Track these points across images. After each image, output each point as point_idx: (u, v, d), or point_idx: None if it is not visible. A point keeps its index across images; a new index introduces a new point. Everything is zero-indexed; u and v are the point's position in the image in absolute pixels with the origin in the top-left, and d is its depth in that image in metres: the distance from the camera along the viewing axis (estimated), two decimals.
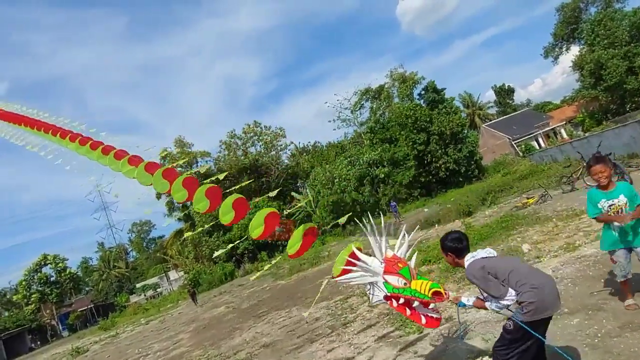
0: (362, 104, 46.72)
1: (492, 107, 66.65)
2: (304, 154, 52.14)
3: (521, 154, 37.23)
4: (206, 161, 48.16)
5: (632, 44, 33.22)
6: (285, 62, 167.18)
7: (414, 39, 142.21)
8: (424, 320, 3.40)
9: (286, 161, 50.42)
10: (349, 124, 46.93)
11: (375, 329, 6.64)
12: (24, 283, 54.07)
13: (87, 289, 69.23)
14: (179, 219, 48.05)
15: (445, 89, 35.71)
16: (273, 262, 7.88)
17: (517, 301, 2.95)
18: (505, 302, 2.98)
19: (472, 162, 34.09)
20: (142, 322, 25.46)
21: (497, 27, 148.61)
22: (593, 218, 4.34)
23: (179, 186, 4.06)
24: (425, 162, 33.72)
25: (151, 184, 4.25)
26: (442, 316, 3.65)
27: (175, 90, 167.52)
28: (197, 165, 47.10)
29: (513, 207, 13.56)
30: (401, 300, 3.38)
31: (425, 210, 25.25)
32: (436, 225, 16.13)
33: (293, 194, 41.34)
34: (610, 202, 4.05)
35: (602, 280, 5.12)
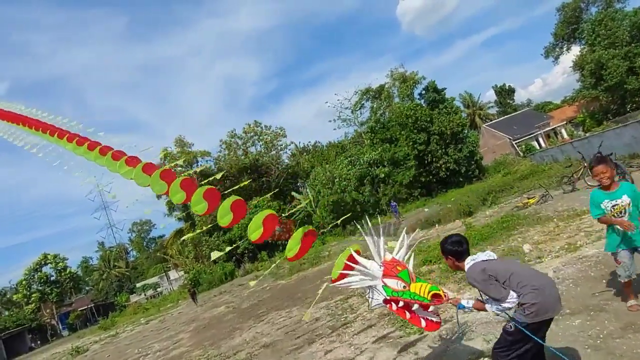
0: (363, 104, 46.75)
1: (492, 107, 66.65)
2: (304, 153, 52.13)
3: (521, 154, 37.20)
4: (206, 161, 48.15)
5: (632, 44, 33.19)
6: (285, 62, 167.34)
7: (414, 38, 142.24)
8: (423, 324, 3.38)
9: (286, 161, 50.40)
10: (349, 124, 47.01)
11: (376, 330, 6.62)
12: (24, 282, 54.09)
13: (87, 288, 69.25)
14: (179, 219, 48.05)
15: (445, 88, 35.72)
16: (269, 269, 7.88)
17: (518, 303, 2.93)
18: (506, 305, 2.97)
19: (473, 162, 34.08)
20: (142, 322, 25.45)
21: (497, 27, 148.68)
22: (596, 219, 4.31)
23: (177, 188, 4.04)
24: (426, 162, 33.70)
25: (149, 185, 4.22)
26: (441, 320, 3.62)
27: (175, 90, 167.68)
28: (198, 165, 47.10)
29: (514, 207, 13.54)
30: (400, 304, 3.36)
31: (426, 210, 25.23)
32: (436, 225, 16.10)
33: (293, 193, 41.32)
34: (613, 202, 4.02)
35: (604, 281, 5.09)
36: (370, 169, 35.01)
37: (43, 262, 56.05)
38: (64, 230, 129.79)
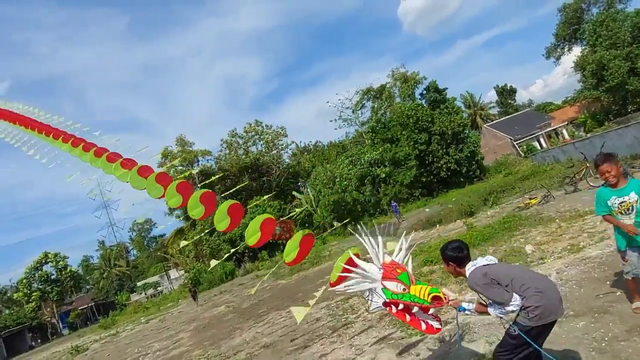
0: (364, 104, 46.72)
1: (493, 107, 66.59)
2: (305, 153, 52.11)
3: (523, 154, 37.14)
4: (207, 160, 48.16)
5: (634, 45, 33.14)
6: (286, 62, 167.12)
7: (416, 38, 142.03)
8: (423, 326, 3.34)
9: (287, 160, 50.39)
10: (350, 124, 47.00)
11: (377, 330, 6.58)
12: (24, 281, 54.10)
13: (87, 287, 69.25)
14: (179, 218, 48.00)
15: (446, 89, 35.69)
16: (268, 273, 7.87)
17: (522, 306, 2.90)
18: (510, 308, 2.94)
19: (474, 163, 34.05)
20: (142, 321, 25.43)
21: (499, 27, 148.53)
22: (601, 216, 4.26)
23: (173, 191, 3.99)
24: (427, 162, 33.67)
25: (145, 189, 4.17)
26: (442, 325, 3.59)
27: (175, 90, 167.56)
28: (198, 164, 47.08)
29: (515, 207, 13.48)
30: (400, 306, 3.32)
31: (427, 210, 25.19)
32: (437, 226, 16.05)
33: (294, 193, 41.30)
34: (620, 199, 3.95)
35: (608, 283, 5.05)
36: (371, 168, 34.98)
37: (44, 261, 56.06)
38: (64, 229, 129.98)
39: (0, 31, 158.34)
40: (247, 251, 37.80)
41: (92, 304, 56.24)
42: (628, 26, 33.52)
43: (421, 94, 37.64)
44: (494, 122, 50.96)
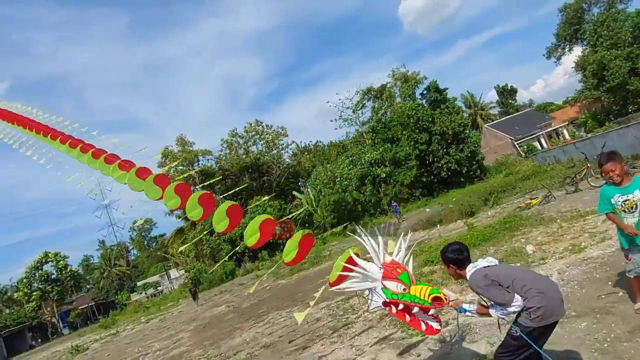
0: (364, 104, 46.67)
1: (494, 107, 66.56)
2: (306, 153, 52.09)
3: (523, 154, 37.11)
4: (207, 160, 48.14)
5: (635, 45, 33.11)
6: (286, 62, 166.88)
7: (416, 38, 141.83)
8: (423, 327, 3.33)
9: (287, 160, 50.36)
10: (350, 124, 46.95)
11: (377, 331, 6.56)
12: (25, 280, 54.15)
13: (88, 286, 69.29)
14: (179, 218, 48.02)
15: (447, 89, 35.64)
16: (266, 273, 7.89)
17: (524, 307, 2.88)
18: (511, 309, 2.93)
19: (474, 163, 34.01)
20: (143, 321, 25.43)
21: (499, 27, 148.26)
22: (605, 214, 4.23)
23: (171, 193, 3.98)
24: (427, 162, 33.64)
25: (143, 191, 4.16)
26: (441, 326, 3.57)
27: (176, 90, 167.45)
28: (199, 164, 47.07)
29: (516, 207, 13.46)
30: (400, 306, 3.31)
31: (427, 210, 25.17)
32: (438, 226, 16.03)
33: (295, 193, 41.29)
34: (625, 197, 3.91)
35: (610, 283, 5.02)
36: (371, 168, 34.96)
37: (44, 261, 56.12)
38: (65, 229, 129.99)
39: (0, 31, 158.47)
40: (247, 251, 37.79)
41: (93, 303, 56.26)
42: (629, 26, 33.47)
43: (422, 94, 37.61)
44: (495, 122, 50.93)
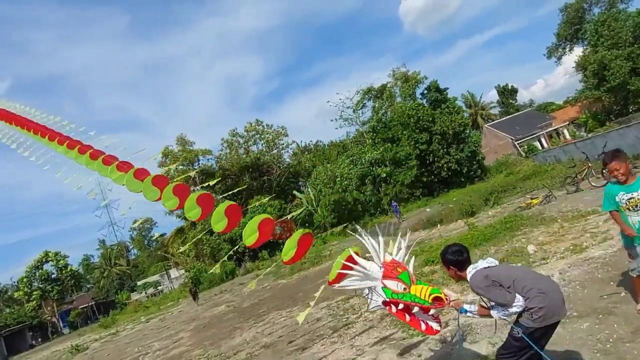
0: (365, 103, 46.62)
1: (494, 107, 66.50)
2: (306, 152, 52.08)
3: (524, 154, 37.07)
4: (208, 159, 48.12)
5: (635, 45, 33.05)
6: (286, 62, 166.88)
7: (416, 38, 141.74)
8: (423, 327, 3.31)
9: (288, 160, 50.35)
10: (351, 123, 46.88)
11: (378, 331, 6.54)
12: (25, 280, 54.13)
13: (88, 286, 69.30)
14: (179, 217, 48.01)
15: (447, 88, 35.59)
16: (266, 271, 7.90)
17: (525, 307, 2.86)
18: (513, 310, 2.91)
19: (475, 162, 33.97)
20: (143, 320, 25.42)
21: (499, 27, 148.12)
22: (608, 212, 4.22)
23: (170, 194, 3.96)
24: (428, 161, 33.60)
25: (141, 192, 4.14)
26: (441, 328, 3.55)
27: (176, 89, 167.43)
28: (199, 164, 47.06)
29: (517, 207, 13.43)
30: (400, 306, 3.28)
31: (428, 210, 25.15)
32: (439, 225, 16.01)
33: (295, 192, 41.27)
34: (629, 195, 3.89)
35: (612, 283, 5.00)
36: (371, 168, 34.94)
37: (44, 260, 56.09)
38: (65, 228, 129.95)
39: (0, 30, 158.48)
40: (247, 251, 37.78)
41: (93, 303, 56.27)
42: (630, 26, 33.42)
43: (422, 94, 37.57)
44: (495, 122, 50.89)
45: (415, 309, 3.27)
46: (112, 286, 63.11)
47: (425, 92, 36.45)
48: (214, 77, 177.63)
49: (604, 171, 12.40)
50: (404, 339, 5.76)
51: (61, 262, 56.95)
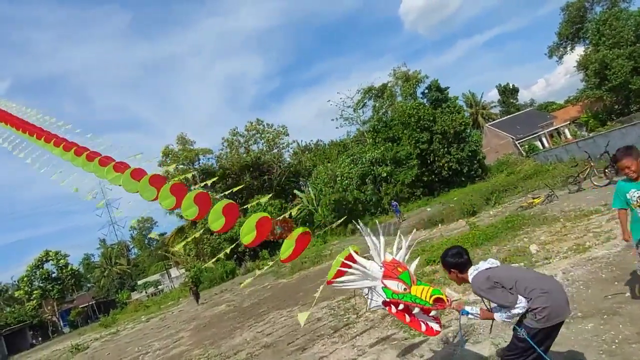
0: (365, 103, 46.56)
1: (495, 106, 66.41)
2: (306, 152, 52.05)
3: (524, 153, 36.99)
4: (208, 159, 48.12)
5: (637, 44, 32.92)
6: (286, 62, 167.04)
7: (416, 38, 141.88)
8: (423, 328, 3.26)
9: (288, 159, 50.32)
10: (351, 123, 46.86)
11: (379, 331, 6.49)
12: (25, 279, 54.12)
13: (88, 285, 69.33)
14: (180, 217, 48.00)
15: (448, 87, 35.55)
16: (262, 270, 7.89)
17: (528, 308, 2.82)
18: (516, 311, 2.86)
19: (475, 162, 33.90)
20: (143, 320, 25.39)
21: (499, 27, 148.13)
22: (617, 210, 4.16)
23: (167, 193, 3.93)
24: (428, 161, 33.54)
25: (138, 192, 4.10)
26: (441, 329, 3.51)
27: (176, 89, 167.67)
28: (199, 163, 47.05)
29: (518, 207, 13.37)
30: (400, 306, 3.24)
31: (428, 209, 25.08)
32: (439, 225, 15.95)
33: (295, 192, 41.24)
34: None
35: (616, 283, 4.94)
36: (372, 167, 34.87)
37: (45, 259, 56.10)
38: (66, 228, 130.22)
39: (1, 30, 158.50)
40: (247, 250, 37.75)
41: (93, 302, 56.27)
42: (631, 25, 33.29)
43: (423, 93, 37.50)
44: (496, 121, 50.81)
45: (416, 310, 3.23)
46: (113, 285, 63.10)
47: (426, 91, 36.38)
48: (214, 77, 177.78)
49: (606, 170, 12.35)
50: (405, 339, 5.70)
51: (61, 261, 56.94)
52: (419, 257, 3.60)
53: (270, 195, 11.72)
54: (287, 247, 3.83)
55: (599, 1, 40.60)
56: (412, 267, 3.45)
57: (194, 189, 4.17)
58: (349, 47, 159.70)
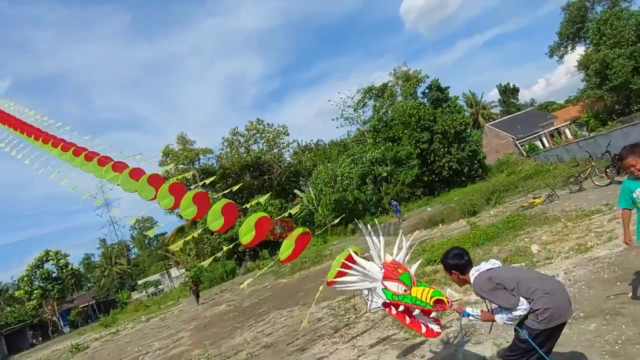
0: (366, 102, 46.50)
1: (496, 106, 66.34)
2: (307, 152, 52.02)
3: (525, 153, 36.94)
4: (208, 158, 48.10)
5: (638, 44, 32.84)
6: (287, 62, 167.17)
7: (416, 38, 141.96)
8: (423, 329, 3.24)
9: (288, 159, 50.29)
10: (352, 122, 46.76)
11: (380, 331, 6.46)
12: (26, 279, 54.13)
13: (88, 285, 69.32)
14: (180, 217, 47.98)
15: (449, 87, 35.50)
16: (261, 271, 7.85)
17: (531, 309, 2.79)
18: (517, 313, 2.84)
19: (476, 162, 33.85)
20: (143, 320, 25.36)
21: (500, 27, 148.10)
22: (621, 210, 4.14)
23: (165, 193, 3.91)
24: (429, 161, 33.50)
25: (136, 191, 4.08)
26: (441, 331, 3.48)
27: (177, 89, 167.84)
28: (199, 163, 47.03)
29: (519, 207, 13.34)
30: (401, 308, 3.21)
31: (429, 209, 25.04)
32: (440, 225, 15.91)
33: (296, 191, 41.21)
34: None
35: (619, 283, 4.91)
36: (372, 167, 34.84)
37: (45, 259, 56.10)
38: (67, 228, 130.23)
39: (1, 29, 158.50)
40: (247, 250, 37.73)
41: (93, 302, 56.27)
42: (632, 25, 33.21)
43: (423, 93, 37.45)
44: (496, 121, 50.75)
45: (416, 311, 3.20)
46: (113, 285, 63.09)
47: (427, 91, 36.34)
48: (214, 77, 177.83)
49: (607, 170, 12.31)
50: (406, 339, 5.67)
51: (62, 261, 56.95)
52: (420, 259, 3.55)
53: (269, 194, 11.70)
54: (286, 247, 3.82)
55: (600, 1, 40.55)
56: (413, 269, 3.42)
57: (193, 188, 4.15)
58: (349, 47, 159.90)
